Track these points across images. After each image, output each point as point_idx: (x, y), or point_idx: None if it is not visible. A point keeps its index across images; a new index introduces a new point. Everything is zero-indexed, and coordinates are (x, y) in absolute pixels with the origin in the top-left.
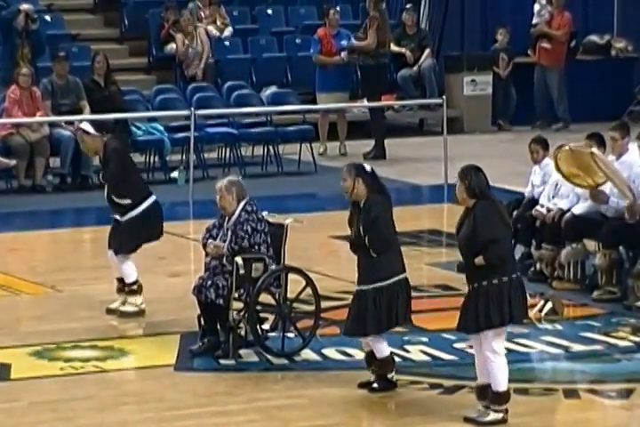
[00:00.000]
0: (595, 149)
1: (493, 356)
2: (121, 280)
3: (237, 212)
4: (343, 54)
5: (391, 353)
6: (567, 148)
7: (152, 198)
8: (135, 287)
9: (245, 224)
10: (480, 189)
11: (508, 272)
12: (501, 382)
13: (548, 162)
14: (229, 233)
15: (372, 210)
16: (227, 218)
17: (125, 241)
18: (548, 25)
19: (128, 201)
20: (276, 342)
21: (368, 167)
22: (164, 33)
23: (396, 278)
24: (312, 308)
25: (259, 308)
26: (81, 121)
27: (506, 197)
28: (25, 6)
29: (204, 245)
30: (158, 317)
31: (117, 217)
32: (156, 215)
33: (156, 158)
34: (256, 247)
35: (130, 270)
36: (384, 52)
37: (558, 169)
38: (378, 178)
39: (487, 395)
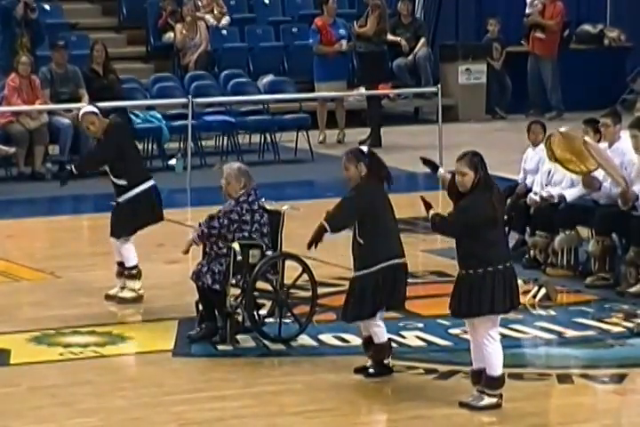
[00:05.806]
0: (587, 138)
1: (488, 341)
2: (121, 264)
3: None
4: (343, 42)
5: (389, 339)
6: (560, 131)
7: (150, 183)
8: (135, 272)
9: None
10: (485, 181)
11: (495, 262)
12: (496, 367)
13: (543, 147)
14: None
15: (348, 193)
16: None
17: (121, 224)
18: (541, 15)
19: (124, 182)
20: (273, 327)
21: (365, 149)
22: (161, 22)
23: (383, 265)
24: (309, 294)
25: (256, 294)
26: (79, 109)
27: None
28: None
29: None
30: (156, 303)
31: (115, 201)
32: (152, 199)
33: (154, 146)
34: (245, 234)
35: (130, 254)
36: (384, 39)
37: (552, 154)
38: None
39: (482, 380)
